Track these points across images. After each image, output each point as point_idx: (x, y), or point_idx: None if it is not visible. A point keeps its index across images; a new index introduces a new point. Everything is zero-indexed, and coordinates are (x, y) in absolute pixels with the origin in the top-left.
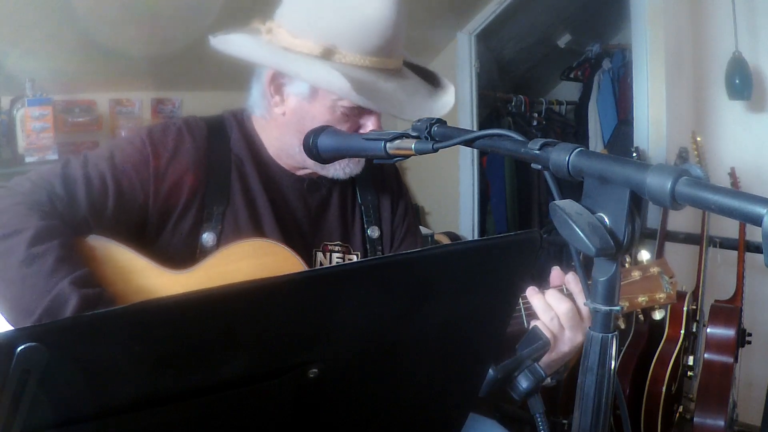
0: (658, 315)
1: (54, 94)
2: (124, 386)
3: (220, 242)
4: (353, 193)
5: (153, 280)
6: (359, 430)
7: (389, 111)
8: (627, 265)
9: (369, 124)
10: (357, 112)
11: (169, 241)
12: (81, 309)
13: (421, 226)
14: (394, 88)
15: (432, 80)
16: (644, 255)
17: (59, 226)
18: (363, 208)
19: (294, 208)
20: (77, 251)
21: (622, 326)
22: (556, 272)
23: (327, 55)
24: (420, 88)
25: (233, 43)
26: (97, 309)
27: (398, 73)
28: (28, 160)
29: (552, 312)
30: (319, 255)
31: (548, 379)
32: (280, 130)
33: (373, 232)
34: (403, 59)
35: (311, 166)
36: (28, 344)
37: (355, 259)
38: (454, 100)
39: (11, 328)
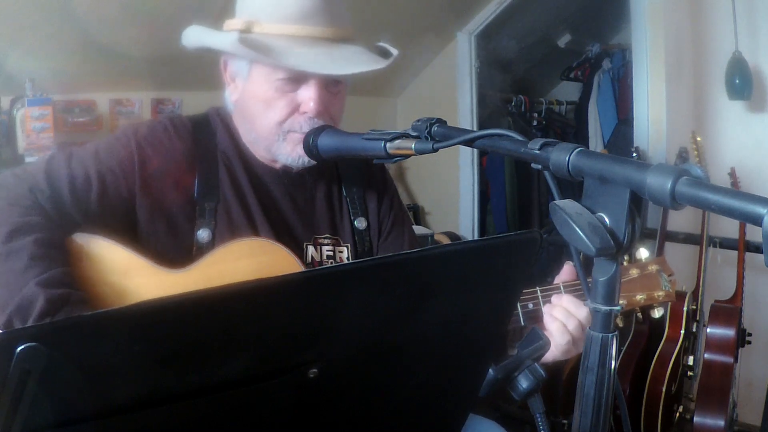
0: (657, 313)
1: (54, 94)
2: (123, 386)
3: (215, 238)
4: (338, 187)
5: (150, 279)
6: (359, 430)
7: (291, 64)
8: (625, 263)
9: (308, 100)
10: (292, 86)
11: (164, 239)
12: (47, 310)
13: (421, 226)
14: (316, 52)
15: (384, 54)
16: (643, 253)
17: (38, 221)
18: (348, 200)
19: (280, 202)
20: (54, 248)
21: (621, 324)
22: (567, 267)
23: (248, 27)
24: (357, 55)
25: (186, 34)
26: (63, 310)
27: (330, 43)
28: (28, 160)
29: (575, 320)
30: (310, 248)
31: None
32: (239, 119)
33: (360, 223)
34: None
35: (278, 157)
36: (28, 344)
37: (345, 251)
38: (385, 64)
39: None
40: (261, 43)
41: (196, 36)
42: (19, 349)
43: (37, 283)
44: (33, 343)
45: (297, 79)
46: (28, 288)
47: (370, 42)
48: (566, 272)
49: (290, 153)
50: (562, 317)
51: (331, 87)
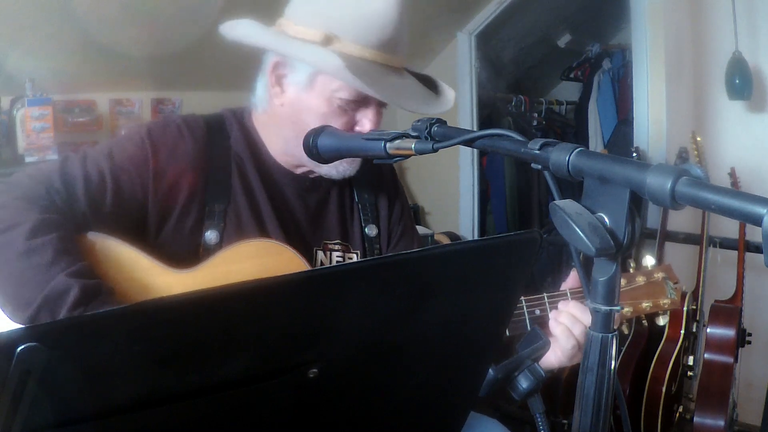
0: (662, 321)
1: (54, 94)
2: (124, 386)
3: (223, 240)
4: (350, 193)
5: (157, 278)
6: (359, 430)
7: (386, 97)
8: (631, 270)
9: (365, 121)
10: (354, 106)
11: (172, 239)
12: (81, 299)
13: (421, 226)
14: (394, 81)
15: (432, 86)
16: (649, 260)
17: (58, 219)
18: (360, 206)
19: (293, 206)
20: (76, 244)
21: (626, 332)
22: (575, 274)
23: (327, 42)
24: (419, 90)
25: (238, 28)
26: (96, 300)
27: (399, 72)
28: (28, 160)
29: (582, 325)
30: (320, 254)
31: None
32: (279, 124)
33: (371, 230)
34: (405, 65)
35: (308, 164)
36: (28, 344)
37: (354, 257)
38: (452, 104)
39: (10, 323)
40: (362, 71)
41: (262, 37)
42: (19, 349)
43: (68, 274)
44: (33, 343)
45: (359, 101)
46: (58, 280)
47: None
48: (573, 279)
49: (336, 166)
50: (567, 322)
51: (381, 108)
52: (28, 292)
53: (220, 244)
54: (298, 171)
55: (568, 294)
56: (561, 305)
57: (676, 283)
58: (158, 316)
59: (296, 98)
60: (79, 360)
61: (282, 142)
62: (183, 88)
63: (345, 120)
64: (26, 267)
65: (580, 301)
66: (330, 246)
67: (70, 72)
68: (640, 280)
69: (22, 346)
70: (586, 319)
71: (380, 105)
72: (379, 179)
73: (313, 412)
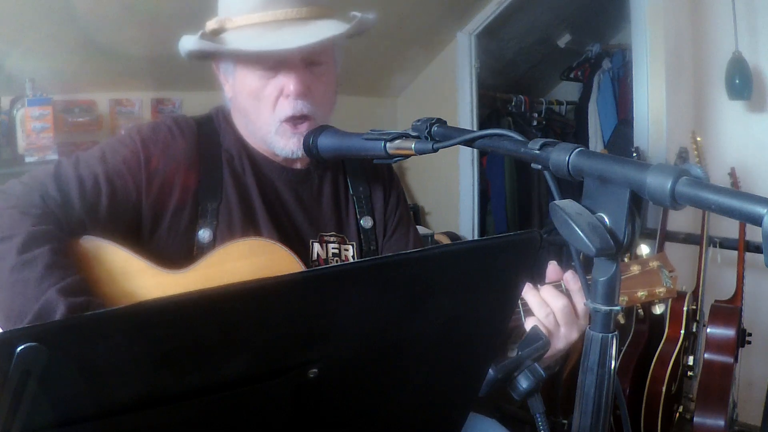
0: (658, 309)
1: (54, 94)
2: (124, 386)
3: (216, 238)
4: (345, 184)
5: (150, 280)
6: (359, 430)
7: (240, 47)
8: (626, 259)
9: (288, 82)
10: (272, 73)
11: (166, 239)
12: None
13: (421, 226)
14: (280, 33)
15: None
16: (644, 249)
17: (51, 230)
18: (355, 198)
19: (285, 199)
20: (69, 256)
21: (622, 321)
22: (552, 267)
23: (221, 25)
24: (324, 28)
25: (180, 44)
26: None
27: (300, 23)
28: (28, 160)
29: (548, 308)
30: (316, 246)
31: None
32: (236, 115)
33: (366, 222)
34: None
35: (275, 150)
36: (28, 344)
37: (350, 249)
38: (345, 29)
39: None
40: (223, 36)
41: (181, 44)
42: (19, 349)
43: (58, 290)
44: (33, 343)
45: (275, 66)
46: (48, 295)
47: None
48: (552, 272)
49: (284, 147)
50: (535, 300)
51: (314, 68)
52: (20, 307)
53: (214, 242)
54: (279, 160)
55: (563, 285)
56: (536, 290)
57: (671, 271)
58: (158, 316)
59: (233, 86)
60: (79, 360)
61: (248, 132)
62: (183, 88)
63: (271, 90)
64: (17, 281)
65: (557, 289)
66: (326, 238)
67: (70, 72)
68: (635, 269)
69: (22, 346)
70: (555, 303)
71: (309, 65)
72: (375, 171)
73: (313, 412)
